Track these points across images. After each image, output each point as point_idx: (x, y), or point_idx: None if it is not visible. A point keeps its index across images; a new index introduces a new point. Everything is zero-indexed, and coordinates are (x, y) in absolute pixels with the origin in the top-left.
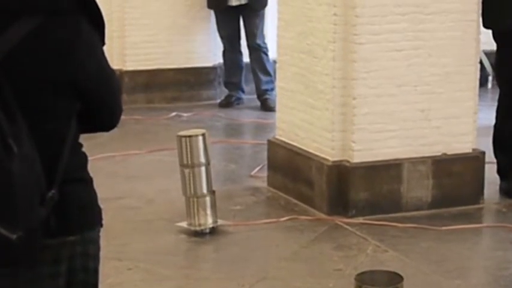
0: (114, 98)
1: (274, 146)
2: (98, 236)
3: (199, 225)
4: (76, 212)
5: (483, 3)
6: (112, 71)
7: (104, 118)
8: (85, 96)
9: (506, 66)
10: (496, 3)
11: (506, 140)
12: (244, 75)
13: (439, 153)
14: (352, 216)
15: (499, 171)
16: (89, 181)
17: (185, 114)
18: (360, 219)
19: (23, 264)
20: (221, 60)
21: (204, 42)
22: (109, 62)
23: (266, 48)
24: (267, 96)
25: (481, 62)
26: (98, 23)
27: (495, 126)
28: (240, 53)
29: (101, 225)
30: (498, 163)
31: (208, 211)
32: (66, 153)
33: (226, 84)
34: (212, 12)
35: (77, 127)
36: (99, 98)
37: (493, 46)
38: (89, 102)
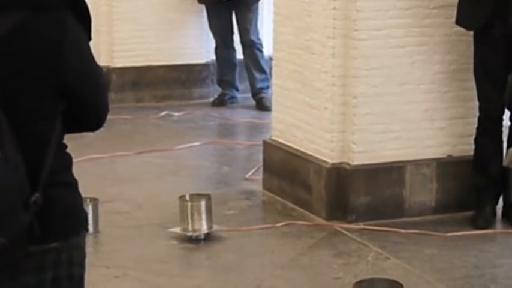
0: (101, 96)
1: (270, 147)
2: (84, 242)
3: (194, 230)
4: (61, 217)
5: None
6: (99, 68)
7: (90, 117)
8: (71, 95)
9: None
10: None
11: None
12: (238, 73)
13: (444, 156)
14: (352, 222)
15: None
16: (74, 185)
17: (176, 114)
18: (360, 225)
19: (6, 272)
20: (214, 57)
21: (196, 38)
22: (96, 58)
23: (260, 44)
24: (263, 94)
25: None
26: (84, 18)
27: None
28: (233, 49)
29: (87, 231)
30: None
31: (204, 216)
32: (51, 155)
33: (220, 82)
34: (204, 6)
35: (62, 127)
36: (85, 96)
37: None
38: (75, 101)
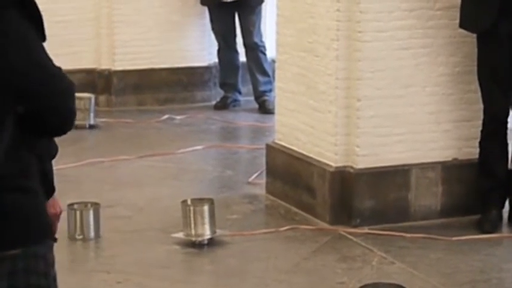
0: (59, 99)
1: (273, 151)
2: (48, 251)
3: (197, 235)
4: (16, 224)
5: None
6: (59, 70)
7: (53, 122)
8: (24, 98)
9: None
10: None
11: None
12: (241, 76)
13: (449, 159)
14: (356, 226)
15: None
16: (34, 191)
17: (178, 117)
18: (365, 229)
19: None
20: (216, 60)
21: (198, 40)
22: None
23: (264, 46)
24: (266, 97)
25: None
26: (34, 17)
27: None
28: (236, 51)
29: (53, 240)
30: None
31: (207, 220)
32: None
33: (222, 85)
34: (207, 8)
35: (15, 130)
36: (40, 99)
37: None
38: (31, 104)
